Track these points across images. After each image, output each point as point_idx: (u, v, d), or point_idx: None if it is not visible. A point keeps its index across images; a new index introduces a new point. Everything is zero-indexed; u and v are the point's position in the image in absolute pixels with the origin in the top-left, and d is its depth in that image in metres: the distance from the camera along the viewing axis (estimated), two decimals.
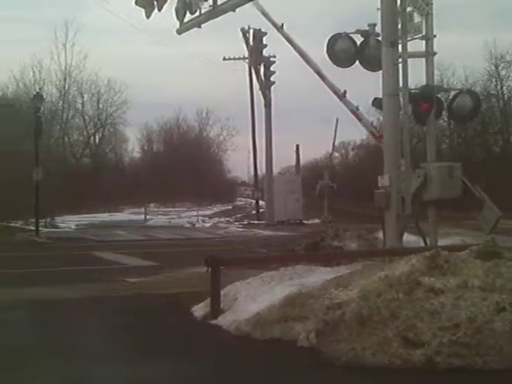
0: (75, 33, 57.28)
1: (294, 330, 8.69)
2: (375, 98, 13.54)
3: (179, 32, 18.04)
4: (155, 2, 17.79)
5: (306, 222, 38.14)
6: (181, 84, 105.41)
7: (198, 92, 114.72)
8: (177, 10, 17.65)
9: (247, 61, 42.09)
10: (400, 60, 12.32)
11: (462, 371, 7.00)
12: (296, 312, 8.93)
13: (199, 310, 10.18)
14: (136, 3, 18.09)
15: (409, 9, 12.54)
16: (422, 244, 12.98)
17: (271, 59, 31.80)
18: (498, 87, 50.13)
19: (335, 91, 18.28)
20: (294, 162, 52.21)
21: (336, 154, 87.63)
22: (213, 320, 9.57)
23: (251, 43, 31.58)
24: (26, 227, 32.38)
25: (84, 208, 48.89)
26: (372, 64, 13.88)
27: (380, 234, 16.66)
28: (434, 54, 12.86)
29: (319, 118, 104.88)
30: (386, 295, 8.34)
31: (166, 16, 18.09)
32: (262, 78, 32.34)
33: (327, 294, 9.01)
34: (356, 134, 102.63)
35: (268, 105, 34.98)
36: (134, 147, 77.69)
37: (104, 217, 46.66)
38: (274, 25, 24.10)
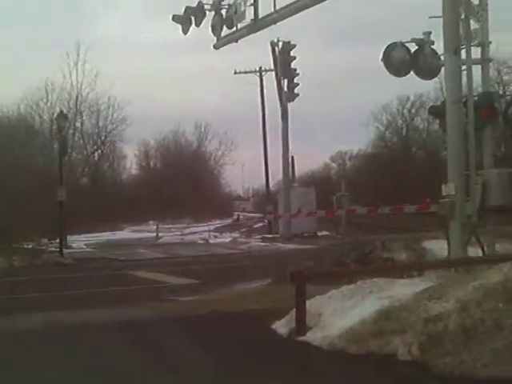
0: (86, 51, 57.82)
1: (392, 344, 8.51)
2: (431, 106, 13.48)
3: (217, 47, 18.12)
4: (192, 18, 17.79)
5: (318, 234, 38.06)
6: (180, 99, 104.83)
7: (197, 107, 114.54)
8: (213, 26, 17.72)
9: (257, 74, 42.22)
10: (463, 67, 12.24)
11: None
12: (392, 325, 8.76)
13: (282, 327, 9.93)
14: (173, 19, 18.09)
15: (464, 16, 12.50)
16: (480, 253, 12.87)
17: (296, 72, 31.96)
18: None
19: None
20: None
21: (333, 165, 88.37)
22: (300, 337, 9.36)
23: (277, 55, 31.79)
24: (40, 248, 31.97)
25: (84, 227, 48.39)
26: (426, 73, 13.78)
27: (426, 244, 16.68)
28: (490, 60, 12.83)
29: (312, 129, 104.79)
30: (486, 305, 8.27)
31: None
32: (286, 90, 32.37)
33: (422, 307, 8.89)
34: (353, 143, 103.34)
35: (285, 117, 34.91)
36: (131, 164, 77.46)
37: (108, 235, 46.16)
38: None
